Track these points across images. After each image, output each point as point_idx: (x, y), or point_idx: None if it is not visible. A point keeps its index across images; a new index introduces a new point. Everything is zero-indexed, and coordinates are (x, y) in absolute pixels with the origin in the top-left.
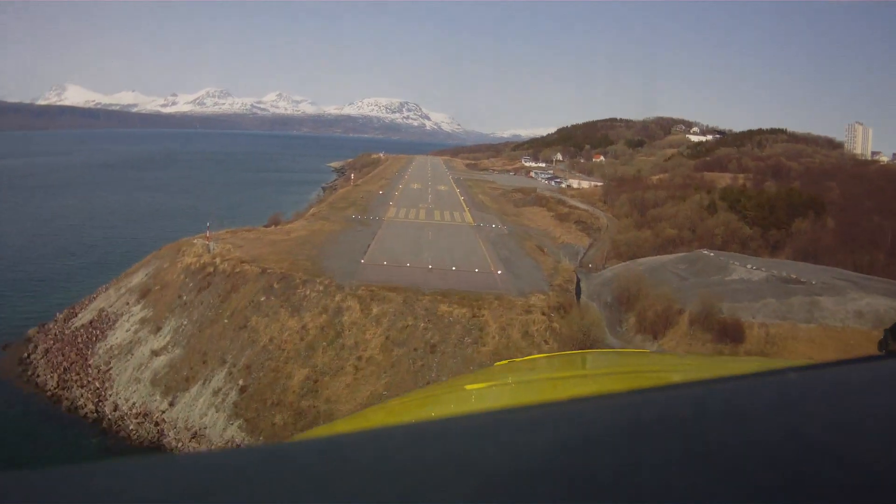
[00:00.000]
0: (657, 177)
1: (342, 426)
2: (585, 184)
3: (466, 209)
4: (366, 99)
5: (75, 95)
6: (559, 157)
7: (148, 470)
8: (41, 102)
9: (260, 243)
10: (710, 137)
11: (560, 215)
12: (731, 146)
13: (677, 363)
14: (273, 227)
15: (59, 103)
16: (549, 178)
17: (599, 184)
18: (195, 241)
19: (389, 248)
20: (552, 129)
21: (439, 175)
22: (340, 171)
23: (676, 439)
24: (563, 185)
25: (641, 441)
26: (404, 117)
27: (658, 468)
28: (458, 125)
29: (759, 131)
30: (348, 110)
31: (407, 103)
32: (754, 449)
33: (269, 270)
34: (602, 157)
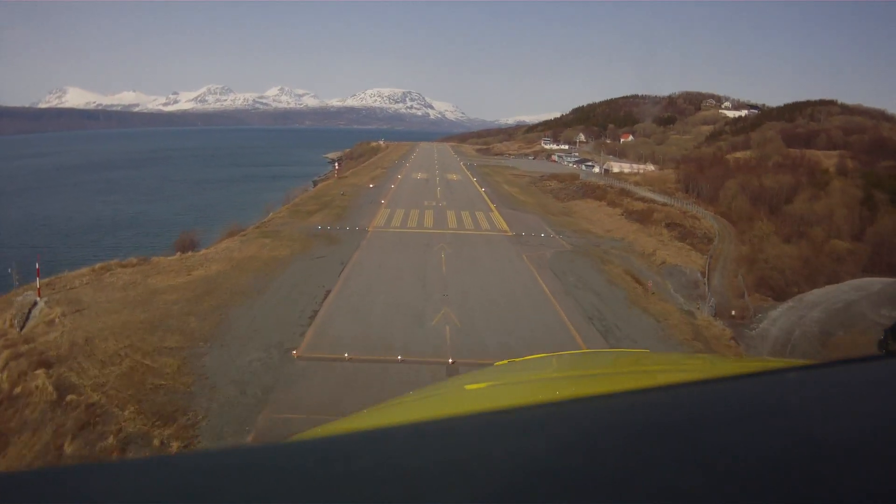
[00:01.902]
0: (739, 154)
1: (342, 426)
2: (641, 167)
3: (493, 207)
4: (368, 90)
5: (76, 97)
6: (582, 137)
7: (147, 470)
8: (42, 106)
9: (124, 298)
10: (745, 112)
11: (633, 214)
12: (777, 120)
13: (677, 363)
14: (179, 255)
15: (59, 106)
16: (576, 162)
17: (646, 167)
18: (19, 297)
19: (364, 301)
20: (558, 114)
21: (448, 162)
22: (336, 162)
23: (676, 439)
24: (597, 170)
25: (641, 441)
26: (408, 107)
27: (658, 468)
28: (463, 113)
29: (808, 103)
30: (351, 102)
31: (410, 93)
32: (754, 449)
33: (74, 395)
34: (631, 137)
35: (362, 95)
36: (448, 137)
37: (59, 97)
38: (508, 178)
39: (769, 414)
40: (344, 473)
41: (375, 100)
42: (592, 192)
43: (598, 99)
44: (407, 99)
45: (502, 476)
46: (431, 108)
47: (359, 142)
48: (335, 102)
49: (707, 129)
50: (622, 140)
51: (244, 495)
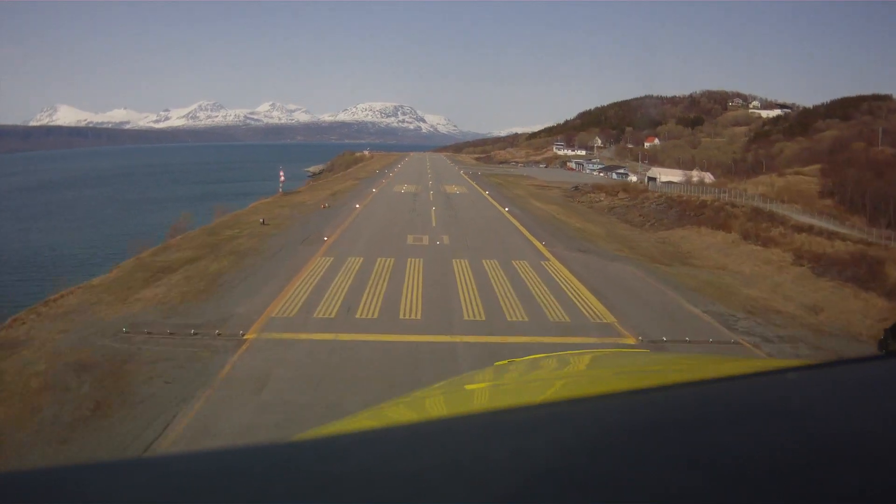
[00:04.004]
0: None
1: (341, 427)
2: (693, 174)
3: (541, 246)
4: (360, 104)
5: (67, 116)
6: (598, 142)
7: (147, 470)
8: (33, 124)
9: None
10: (779, 112)
11: (830, 263)
12: (828, 118)
13: (677, 363)
14: None
15: (50, 124)
16: (603, 169)
17: (700, 175)
18: None
19: None
20: (553, 124)
21: (445, 170)
22: (317, 176)
23: (676, 440)
24: (634, 178)
25: (642, 441)
26: (399, 121)
27: (658, 468)
28: (455, 126)
29: (862, 98)
30: (343, 117)
31: (402, 107)
32: (754, 449)
33: None
34: (656, 140)
35: (354, 110)
36: (441, 148)
37: (51, 115)
38: (531, 190)
39: (769, 414)
40: (344, 473)
41: (367, 114)
42: (697, 214)
43: (598, 104)
44: (399, 113)
45: (502, 476)
46: (423, 121)
47: (340, 153)
48: (326, 117)
49: (741, 130)
50: (647, 144)
51: (244, 495)
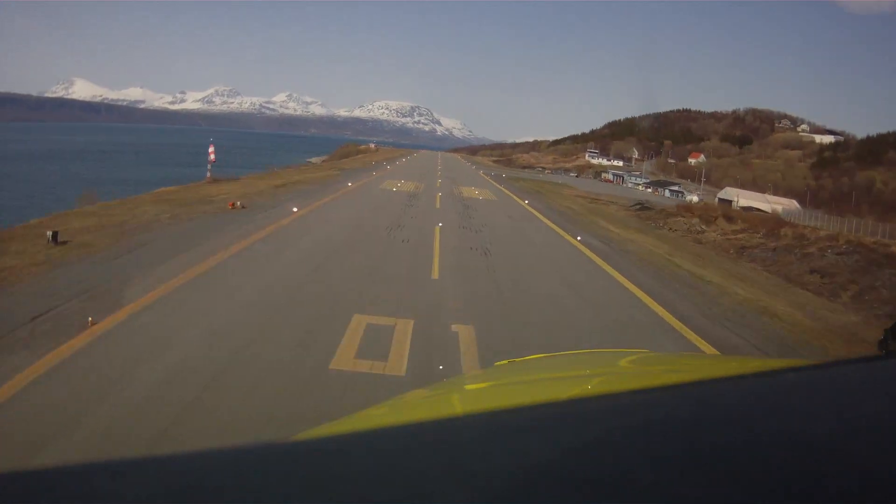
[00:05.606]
0: None
1: (341, 426)
2: (776, 200)
3: None
4: (376, 102)
5: (83, 90)
6: (635, 153)
7: (147, 469)
8: (48, 95)
9: None
10: (831, 138)
11: None
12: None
13: (677, 363)
14: None
15: (65, 97)
16: (651, 185)
17: (785, 201)
18: None
19: None
20: (567, 135)
21: (459, 170)
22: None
23: (676, 440)
24: (695, 199)
25: (642, 441)
26: (415, 121)
27: (658, 469)
28: (470, 131)
29: None
30: (358, 113)
31: (418, 107)
32: (754, 450)
33: None
34: (702, 156)
35: (370, 107)
36: (455, 149)
37: (67, 88)
38: (582, 203)
39: (769, 414)
40: (344, 473)
41: (383, 112)
42: None
43: (618, 117)
44: (415, 113)
45: (502, 476)
46: (439, 123)
47: (343, 144)
48: (342, 112)
49: (794, 153)
50: (692, 160)
51: (244, 495)
